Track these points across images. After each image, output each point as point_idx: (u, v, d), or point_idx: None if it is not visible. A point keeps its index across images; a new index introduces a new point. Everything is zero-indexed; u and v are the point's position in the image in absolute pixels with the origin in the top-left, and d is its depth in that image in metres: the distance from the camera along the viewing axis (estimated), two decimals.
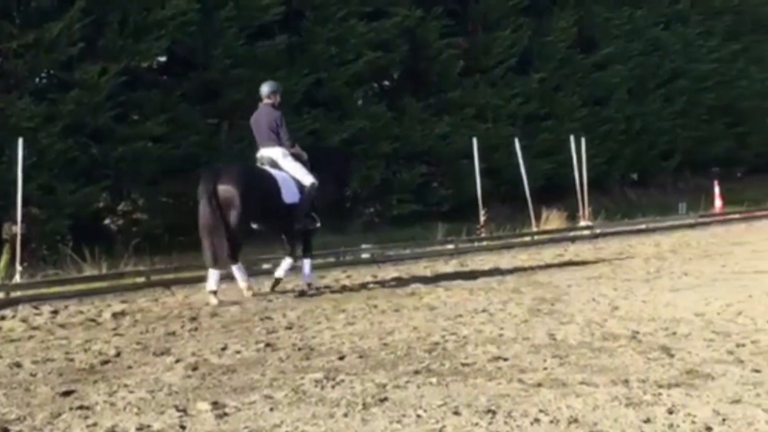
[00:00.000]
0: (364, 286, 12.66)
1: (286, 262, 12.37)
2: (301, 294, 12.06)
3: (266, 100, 12.37)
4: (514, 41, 22.72)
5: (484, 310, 10.27)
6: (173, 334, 9.29)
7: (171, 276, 13.32)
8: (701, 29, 27.98)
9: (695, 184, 27.47)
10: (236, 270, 11.69)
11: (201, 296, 11.95)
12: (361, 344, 8.47)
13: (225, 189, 11.32)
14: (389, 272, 13.92)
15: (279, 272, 12.38)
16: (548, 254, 16.10)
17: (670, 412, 6.04)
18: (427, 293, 11.72)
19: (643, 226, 20.32)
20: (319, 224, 12.33)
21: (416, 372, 7.28)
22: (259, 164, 12.16)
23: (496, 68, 22.61)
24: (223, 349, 8.38)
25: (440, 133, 21.37)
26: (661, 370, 7.26)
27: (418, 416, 6.05)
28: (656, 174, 27.95)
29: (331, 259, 14.65)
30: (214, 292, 11.33)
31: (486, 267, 14.39)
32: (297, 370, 7.43)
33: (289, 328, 9.45)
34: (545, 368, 7.38)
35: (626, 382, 6.87)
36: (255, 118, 12.47)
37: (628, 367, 7.38)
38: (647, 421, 5.87)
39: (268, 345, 8.50)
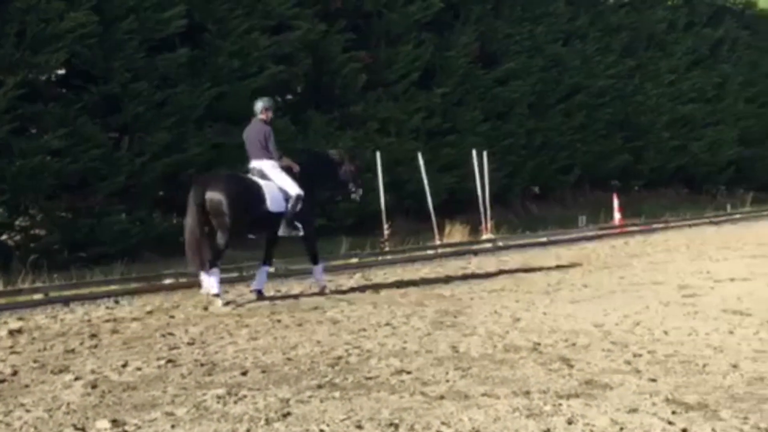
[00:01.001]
0: (268, 300, 12.59)
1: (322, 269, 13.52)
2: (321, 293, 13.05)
3: (259, 116, 13.07)
4: (416, 56, 22.85)
5: (387, 324, 10.31)
6: (72, 351, 9.13)
7: (70, 292, 13.06)
8: (599, 45, 28.46)
9: (595, 197, 27.94)
10: (208, 276, 12.14)
11: (101, 312, 11.78)
12: (265, 359, 8.44)
13: (213, 195, 12.06)
14: (293, 287, 13.88)
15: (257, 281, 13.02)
16: (451, 267, 16.22)
17: (570, 422, 6.14)
18: (330, 307, 11.72)
19: (544, 239, 20.61)
20: (302, 233, 12.92)
21: (319, 386, 7.27)
22: (250, 175, 12.82)
23: (399, 83, 22.70)
24: (124, 366, 8.27)
25: (344, 147, 21.34)
26: (561, 380, 7.38)
27: (321, 431, 6.05)
28: (557, 188, 28.34)
29: (235, 274, 14.53)
30: (217, 295, 12.09)
31: (390, 280, 14.44)
32: (199, 386, 7.37)
33: (191, 343, 9.37)
34: (448, 381, 7.44)
35: (527, 393, 6.97)
36: (247, 132, 13.15)
37: (529, 378, 7.49)
38: (547, 431, 5.96)
39: (169, 361, 8.41)
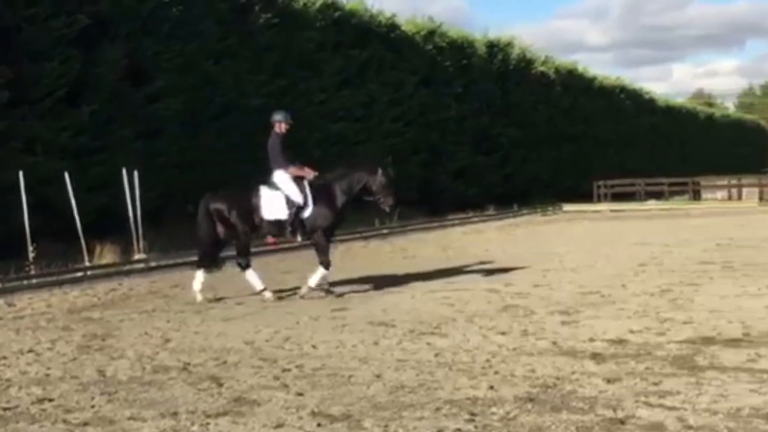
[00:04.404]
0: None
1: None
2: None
3: (275, 128, 14.44)
4: (62, 72, 22.06)
5: (30, 351, 9.88)
6: None
7: None
8: (250, 65, 28.72)
9: None
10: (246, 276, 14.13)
11: None
12: None
13: (216, 206, 14.06)
14: None
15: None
16: (102, 289, 15.73)
17: None
18: None
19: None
20: (297, 238, 14.47)
21: None
22: (268, 185, 14.04)
23: (44, 100, 21.84)
24: None
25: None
26: (210, 399, 7.35)
27: None
28: None
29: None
30: (264, 289, 13.90)
31: (35, 305, 13.86)
32: None
33: None
34: (93, 406, 7.23)
35: (175, 414, 6.89)
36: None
37: (177, 398, 7.41)
38: None
39: None
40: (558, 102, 50.30)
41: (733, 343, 9.21)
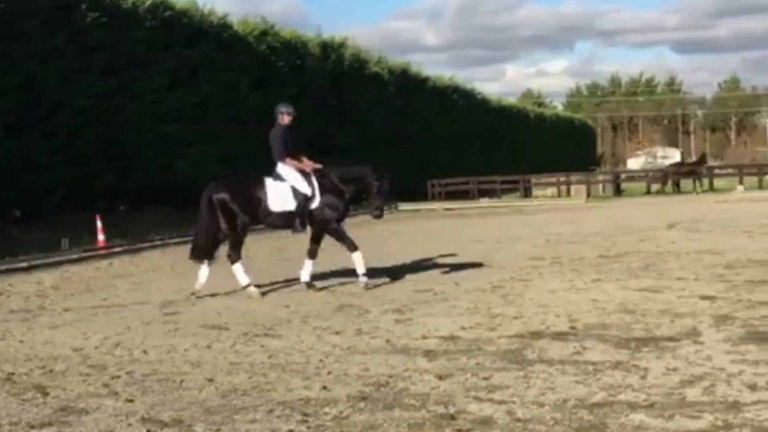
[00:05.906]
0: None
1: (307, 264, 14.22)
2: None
3: (278, 120, 14.19)
4: None
5: None
6: None
7: None
8: (78, 65, 27.94)
9: (79, 219, 27.31)
10: (205, 267, 13.91)
11: None
12: None
13: (219, 196, 13.81)
14: None
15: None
16: None
17: None
18: None
19: (24, 264, 19.83)
20: (305, 231, 14.04)
21: None
22: (273, 177, 13.93)
23: None
24: None
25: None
26: (35, 410, 7.15)
27: None
28: (40, 210, 27.49)
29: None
30: (249, 285, 13.74)
31: None
32: None
33: None
34: None
35: None
36: None
37: (0, 410, 7.15)
38: None
39: None
40: (392, 102, 50.68)
41: (560, 336, 9.47)
